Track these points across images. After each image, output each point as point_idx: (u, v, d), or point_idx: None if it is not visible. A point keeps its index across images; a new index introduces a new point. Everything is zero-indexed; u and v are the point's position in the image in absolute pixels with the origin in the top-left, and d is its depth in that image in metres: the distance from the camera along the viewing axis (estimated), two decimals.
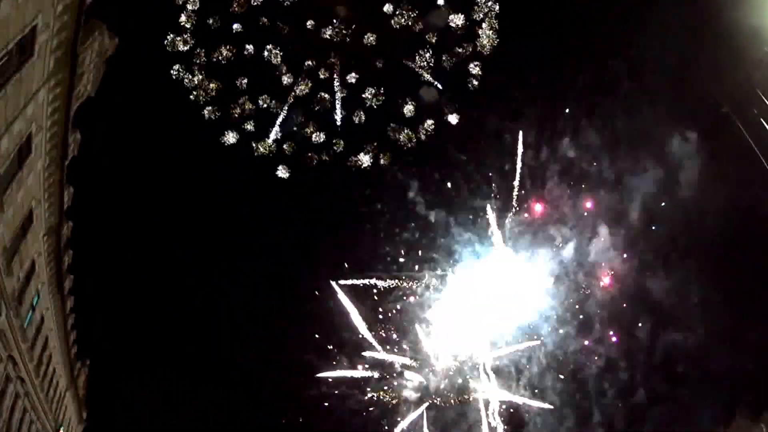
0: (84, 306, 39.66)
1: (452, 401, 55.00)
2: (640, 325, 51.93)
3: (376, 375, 55.86)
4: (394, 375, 55.88)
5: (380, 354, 55.15)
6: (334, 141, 48.64)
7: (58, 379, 37.70)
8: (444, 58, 45.61)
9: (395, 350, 55.49)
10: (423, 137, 48.31)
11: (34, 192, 24.19)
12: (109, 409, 55.19)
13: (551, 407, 52.67)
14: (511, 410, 53.73)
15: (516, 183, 51.00)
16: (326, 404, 56.41)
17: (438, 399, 55.18)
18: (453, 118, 46.99)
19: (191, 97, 44.40)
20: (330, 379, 55.30)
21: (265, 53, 44.97)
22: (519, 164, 50.40)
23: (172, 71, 43.23)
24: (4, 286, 22.62)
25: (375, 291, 55.21)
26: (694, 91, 43.93)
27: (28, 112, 20.24)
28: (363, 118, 47.74)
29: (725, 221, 45.05)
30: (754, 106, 35.48)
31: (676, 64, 45.12)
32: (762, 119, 35.24)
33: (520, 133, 49.98)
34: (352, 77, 46.84)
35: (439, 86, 47.08)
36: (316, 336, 57.14)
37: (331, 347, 56.00)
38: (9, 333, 24.47)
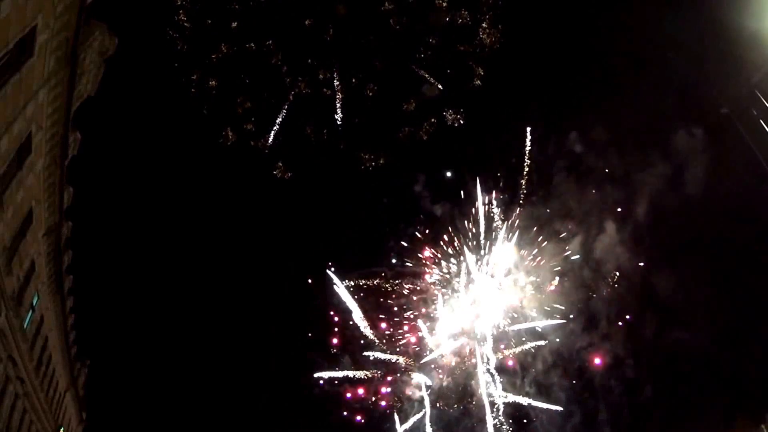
0: (84, 306, 39.73)
1: (456, 405, 54.95)
2: (644, 323, 51.84)
3: (378, 374, 55.86)
4: (397, 374, 55.83)
5: (383, 353, 55.15)
6: (332, 140, 48.71)
7: (58, 379, 37.66)
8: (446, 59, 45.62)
9: (398, 348, 55.40)
10: (424, 137, 48.35)
11: (34, 192, 24.18)
12: (108, 410, 55.23)
13: (559, 408, 52.67)
14: (516, 411, 53.78)
15: (523, 180, 51.08)
16: (328, 403, 56.47)
17: (440, 403, 55.10)
18: (455, 118, 46.99)
19: (190, 93, 44.44)
20: (325, 378, 55.37)
21: (264, 49, 45.01)
22: (526, 160, 50.47)
23: (171, 70, 43.26)
24: (4, 286, 22.60)
25: (378, 288, 55.21)
26: (697, 90, 43.99)
27: (28, 112, 20.22)
28: (364, 117, 47.83)
29: (733, 220, 45.03)
30: (754, 107, 35.51)
31: (678, 64, 45.14)
32: (761, 120, 35.26)
33: (528, 129, 50.10)
34: (352, 76, 46.88)
35: (440, 86, 47.12)
36: (318, 334, 57.18)
37: (333, 346, 56.01)
38: (8, 333, 24.45)
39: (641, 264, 51.15)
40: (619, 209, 50.68)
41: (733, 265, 48.06)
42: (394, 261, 56.04)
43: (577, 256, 52.00)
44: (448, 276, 54.32)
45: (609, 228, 50.83)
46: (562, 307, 52.64)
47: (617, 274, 51.75)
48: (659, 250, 50.58)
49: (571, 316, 52.36)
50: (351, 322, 54.62)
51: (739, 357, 47.92)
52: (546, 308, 52.81)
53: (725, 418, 48.51)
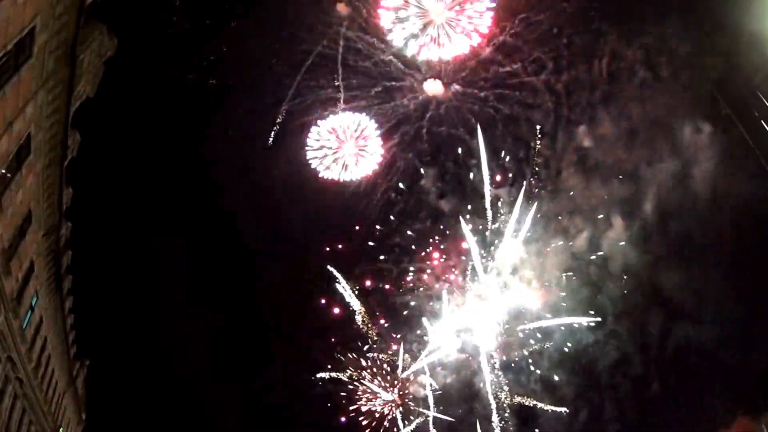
0: (83, 306, 39.61)
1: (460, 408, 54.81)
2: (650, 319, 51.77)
3: (381, 373, 55.65)
4: (401, 371, 55.55)
5: (385, 353, 54.99)
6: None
7: (57, 379, 37.61)
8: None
9: (403, 345, 55.09)
10: (426, 135, 48.47)
11: (34, 192, 24.17)
12: (108, 410, 55.11)
13: (564, 410, 52.56)
14: (522, 408, 53.65)
15: (530, 175, 50.96)
16: (329, 404, 56.26)
17: (442, 406, 54.92)
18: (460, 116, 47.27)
19: (190, 93, 44.52)
20: (327, 378, 55.21)
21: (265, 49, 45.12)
22: (534, 155, 50.44)
23: (170, 70, 43.30)
24: (3, 286, 22.57)
25: (383, 284, 55.00)
26: (698, 91, 43.91)
27: (27, 113, 20.22)
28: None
29: (741, 217, 44.97)
30: (755, 108, 35.55)
31: (680, 65, 45.15)
32: (762, 121, 35.30)
33: (538, 127, 50.06)
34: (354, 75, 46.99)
35: (442, 84, 47.15)
36: (320, 333, 56.94)
37: (335, 345, 55.80)
38: (7, 334, 24.42)
39: (652, 258, 50.90)
40: (625, 206, 50.63)
41: (736, 263, 48.07)
42: (402, 254, 55.68)
43: (586, 250, 51.85)
44: (454, 273, 54.08)
45: (616, 224, 50.75)
46: (570, 301, 52.43)
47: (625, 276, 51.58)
48: (670, 244, 50.22)
49: (567, 309, 52.08)
50: (353, 320, 54.58)
51: (740, 357, 47.95)
52: (552, 302, 52.54)
53: (726, 417, 48.52)
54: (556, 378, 53.52)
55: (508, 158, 52.31)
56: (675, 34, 42.30)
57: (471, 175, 52.42)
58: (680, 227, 48.85)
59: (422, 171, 53.56)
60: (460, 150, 52.51)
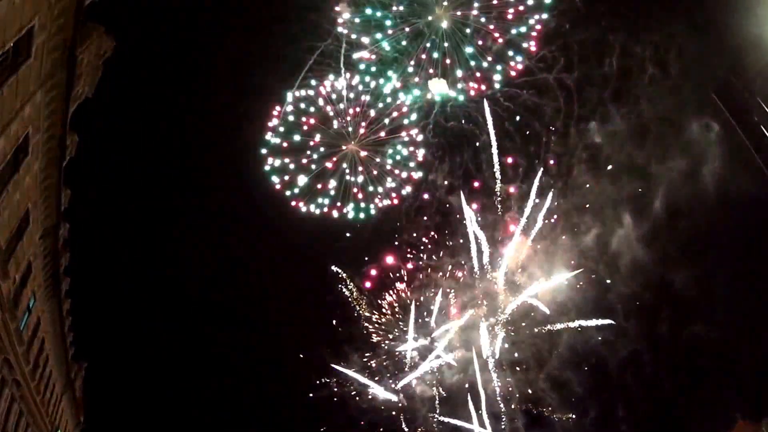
0: (81, 308, 39.54)
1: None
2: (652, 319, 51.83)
3: (387, 371, 55.54)
4: (406, 370, 55.41)
5: (388, 357, 54.90)
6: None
7: (55, 381, 37.47)
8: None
9: (408, 344, 54.92)
10: (431, 134, 48.54)
11: (31, 193, 24.07)
12: (106, 412, 55.01)
13: (572, 416, 52.60)
14: (529, 406, 53.65)
15: (539, 172, 51.01)
16: (335, 402, 56.11)
17: (447, 408, 54.83)
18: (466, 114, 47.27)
19: (189, 95, 44.52)
20: (331, 381, 55.11)
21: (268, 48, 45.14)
22: (545, 151, 50.56)
23: (168, 71, 43.34)
24: (0, 288, 22.47)
25: (389, 282, 54.92)
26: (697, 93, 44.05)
27: (25, 114, 20.14)
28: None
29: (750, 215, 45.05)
30: (755, 113, 35.60)
31: (680, 67, 45.28)
32: (762, 126, 35.35)
33: (550, 128, 50.18)
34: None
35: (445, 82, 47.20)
36: (324, 334, 56.83)
37: (343, 342, 55.71)
38: (4, 335, 24.30)
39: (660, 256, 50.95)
40: (628, 204, 50.75)
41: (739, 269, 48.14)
42: (410, 251, 55.38)
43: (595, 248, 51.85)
44: (462, 270, 53.94)
45: (623, 221, 50.85)
46: (578, 299, 52.35)
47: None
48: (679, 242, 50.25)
49: (576, 307, 51.96)
50: (357, 321, 54.49)
51: (743, 358, 48.05)
52: (561, 300, 52.42)
53: (727, 419, 48.56)
54: (561, 377, 53.68)
55: (515, 156, 52.44)
56: (676, 37, 42.48)
57: (480, 172, 52.54)
58: (680, 226, 49.05)
59: (430, 167, 53.59)
60: (468, 146, 52.68)
